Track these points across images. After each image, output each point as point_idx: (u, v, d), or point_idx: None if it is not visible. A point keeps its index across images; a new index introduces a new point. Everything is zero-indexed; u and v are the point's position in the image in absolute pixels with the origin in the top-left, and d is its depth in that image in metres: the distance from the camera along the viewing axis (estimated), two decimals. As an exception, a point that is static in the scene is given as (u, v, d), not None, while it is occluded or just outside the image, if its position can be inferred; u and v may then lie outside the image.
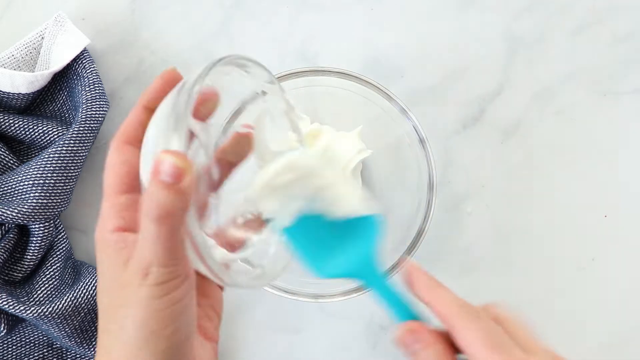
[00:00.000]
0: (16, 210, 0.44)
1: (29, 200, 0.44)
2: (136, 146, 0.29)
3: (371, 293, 0.31)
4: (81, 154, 0.46)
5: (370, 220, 0.32)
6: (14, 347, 0.47)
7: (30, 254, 0.46)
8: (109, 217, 0.28)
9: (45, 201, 0.45)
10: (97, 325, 0.47)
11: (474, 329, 0.28)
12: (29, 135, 0.47)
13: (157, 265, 0.25)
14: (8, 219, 0.44)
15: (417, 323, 0.30)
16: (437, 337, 0.29)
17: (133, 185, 0.29)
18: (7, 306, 0.43)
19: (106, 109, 0.47)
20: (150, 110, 0.30)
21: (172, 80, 0.30)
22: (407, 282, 0.30)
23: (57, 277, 0.46)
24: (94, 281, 0.46)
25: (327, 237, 0.32)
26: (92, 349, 0.47)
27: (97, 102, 0.46)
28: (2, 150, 0.47)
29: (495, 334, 0.28)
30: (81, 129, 0.45)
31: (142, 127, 0.29)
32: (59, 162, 0.45)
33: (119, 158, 0.29)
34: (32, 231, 0.46)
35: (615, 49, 0.51)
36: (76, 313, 0.45)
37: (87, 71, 0.47)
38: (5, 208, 0.44)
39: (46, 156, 0.45)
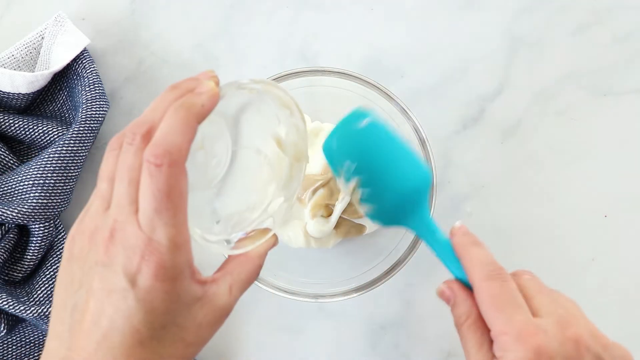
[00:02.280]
0: (16, 210, 0.44)
1: (29, 200, 0.44)
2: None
3: (428, 248, 0.34)
4: (81, 154, 0.46)
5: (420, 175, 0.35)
6: (14, 347, 0.47)
7: (30, 254, 0.46)
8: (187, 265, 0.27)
9: (45, 201, 0.45)
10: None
11: (487, 287, 0.30)
12: (29, 135, 0.47)
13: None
14: (8, 219, 0.44)
15: (456, 282, 0.33)
16: (469, 295, 0.32)
17: None
18: (7, 306, 0.43)
19: (106, 109, 0.47)
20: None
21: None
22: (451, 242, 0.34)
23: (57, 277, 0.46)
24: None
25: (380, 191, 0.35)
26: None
27: (97, 102, 0.46)
28: (2, 150, 0.47)
29: (506, 294, 0.30)
30: (81, 129, 0.45)
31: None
32: (59, 162, 0.45)
33: (184, 182, 0.27)
34: (32, 231, 0.46)
35: (615, 49, 0.51)
36: (76, 313, 0.45)
37: (87, 71, 0.47)
38: (5, 208, 0.44)
39: (46, 156, 0.45)
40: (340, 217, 0.45)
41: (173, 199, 0.26)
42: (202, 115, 0.28)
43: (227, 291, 0.30)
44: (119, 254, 0.27)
